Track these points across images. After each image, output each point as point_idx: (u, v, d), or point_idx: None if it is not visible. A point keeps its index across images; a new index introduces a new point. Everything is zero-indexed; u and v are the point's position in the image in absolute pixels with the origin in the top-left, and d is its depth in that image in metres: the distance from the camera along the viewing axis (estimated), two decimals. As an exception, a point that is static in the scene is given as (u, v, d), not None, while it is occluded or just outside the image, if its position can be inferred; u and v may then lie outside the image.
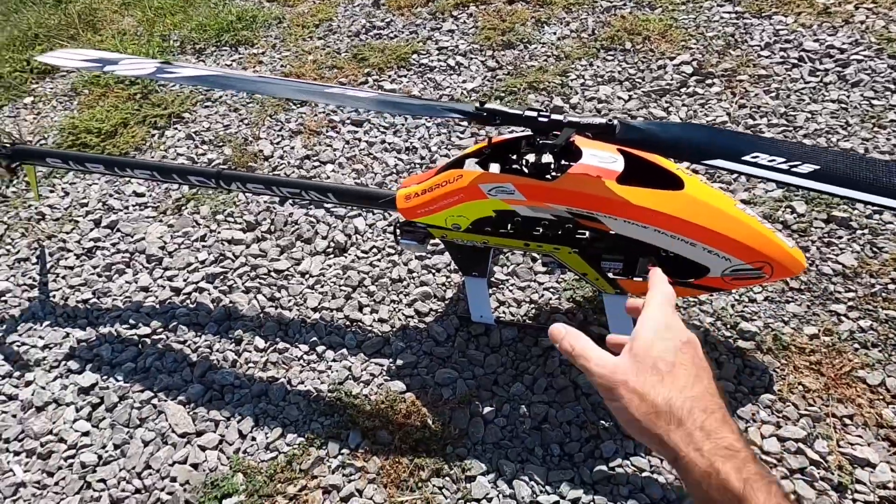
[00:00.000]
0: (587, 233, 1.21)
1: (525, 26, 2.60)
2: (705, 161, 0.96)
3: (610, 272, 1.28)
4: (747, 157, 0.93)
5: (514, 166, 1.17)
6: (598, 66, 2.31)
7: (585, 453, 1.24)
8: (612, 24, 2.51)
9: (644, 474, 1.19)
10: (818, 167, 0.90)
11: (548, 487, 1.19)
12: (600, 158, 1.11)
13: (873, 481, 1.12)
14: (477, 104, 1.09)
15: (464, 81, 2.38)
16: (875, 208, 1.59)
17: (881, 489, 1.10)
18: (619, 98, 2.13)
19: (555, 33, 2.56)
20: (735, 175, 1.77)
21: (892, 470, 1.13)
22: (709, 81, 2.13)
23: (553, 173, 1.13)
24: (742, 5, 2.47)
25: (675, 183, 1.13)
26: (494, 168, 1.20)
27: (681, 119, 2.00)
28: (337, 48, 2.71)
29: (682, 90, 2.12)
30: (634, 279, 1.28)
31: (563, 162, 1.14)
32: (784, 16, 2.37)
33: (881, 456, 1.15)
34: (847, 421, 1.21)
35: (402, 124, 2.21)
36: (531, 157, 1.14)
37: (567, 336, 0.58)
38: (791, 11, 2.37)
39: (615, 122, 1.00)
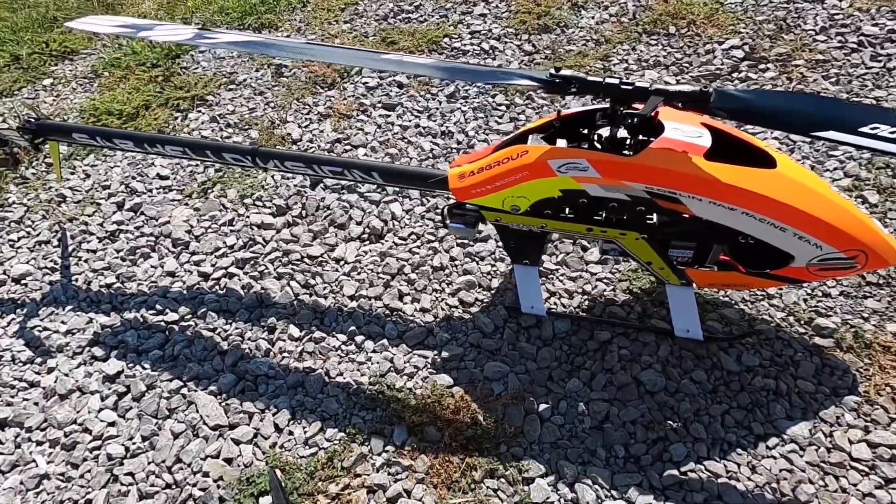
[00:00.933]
0: (656, 217, 1.12)
1: (561, 10, 2.50)
2: (815, 132, 0.86)
3: (678, 261, 1.18)
4: (866, 129, 0.83)
5: (589, 141, 1.07)
6: (641, 51, 2.21)
7: (653, 456, 1.14)
8: (653, 7, 2.40)
9: (720, 480, 1.09)
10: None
11: (613, 492, 1.10)
12: (684, 132, 1.01)
13: (981, 493, 1.01)
14: (552, 70, 0.99)
15: (499, 66, 2.28)
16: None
17: None
18: (667, 83, 2.03)
19: (593, 17, 2.45)
20: (841, 150, 1.61)
21: None
22: (762, 66, 2.02)
23: (632, 148, 1.03)
24: (791, -11, 2.35)
25: (766, 161, 1.02)
26: (562, 144, 1.10)
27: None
28: (364, 32, 2.62)
29: (734, 75, 2.01)
30: (702, 268, 1.18)
31: (640, 137, 1.04)
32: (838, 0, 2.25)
33: None
34: (944, 426, 1.11)
35: (437, 108, 2.12)
36: (605, 132, 1.04)
37: None
38: (845, -5, 2.26)
39: (710, 89, 0.91)
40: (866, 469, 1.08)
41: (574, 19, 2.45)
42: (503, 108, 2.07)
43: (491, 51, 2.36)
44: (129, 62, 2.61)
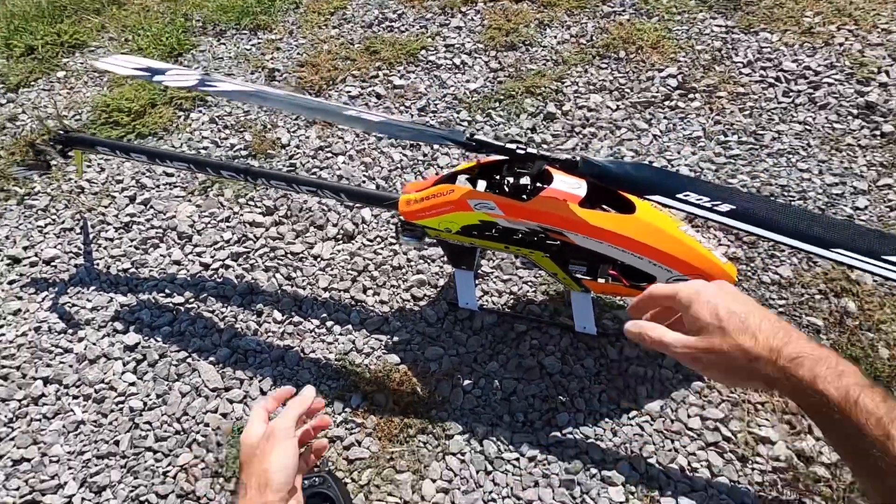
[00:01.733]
0: (557, 241, 1.45)
1: (528, 28, 2.76)
2: (647, 196, 1.19)
3: (577, 274, 1.52)
4: (680, 195, 1.16)
5: (498, 186, 1.40)
6: (591, 74, 2.49)
7: (544, 422, 1.51)
8: (609, 30, 2.67)
9: (588, 441, 1.47)
10: (734, 207, 1.13)
11: (511, 447, 1.47)
12: (568, 184, 1.34)
13: (770, 455, 1.39)
14: (468, 135, 1.31)
15: (467, 81, 2.57)
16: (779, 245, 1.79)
17: (774, 461, 1.38)
18: (608, 107, 2.33)
19: (555, 36, 2.72)
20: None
21: (787, 448, 1.40)
22: (691, 96, 2.32)
23: (529, 194, 1.36)
24: (734, 19, 2.62)
25: (628, 207, 1.36)
26: (481, 185, 1.43)
27: (660, 132, 2.21)
28: (350, 38, 2.88)
29: (666, 103, 2.31)
30: (597, 280, 1.52)
31: (537, 185, 1.37)
32: (770, 33, 2.52)
33: (780, 436, 1.42)
34: (759, 407, 1.47)
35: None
36: (511, 179, 1.37)
37: (643, 331, 0.75)
38: (777, 29, 2.53)
39: (578, 158, 1.23)
40: (695, 435, 1.45)
41: (539, 38, 2.72)
42: (465, 123, 2.37)
43: (462, 66, 2.64)
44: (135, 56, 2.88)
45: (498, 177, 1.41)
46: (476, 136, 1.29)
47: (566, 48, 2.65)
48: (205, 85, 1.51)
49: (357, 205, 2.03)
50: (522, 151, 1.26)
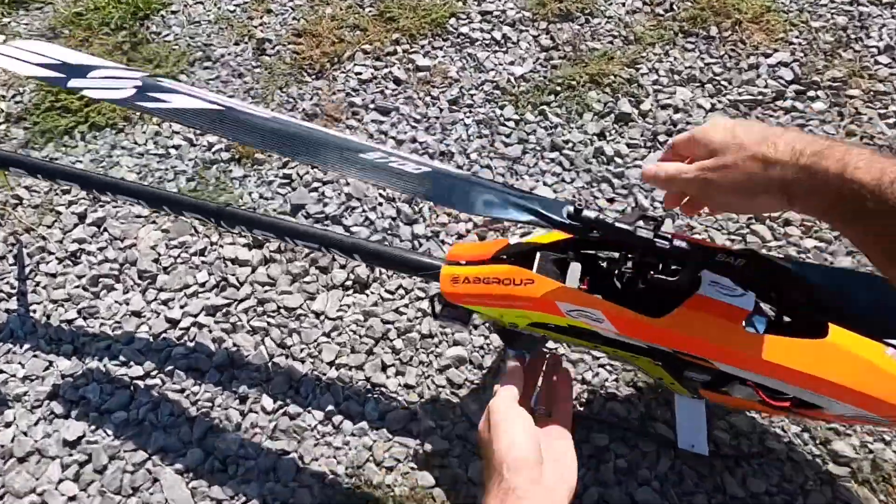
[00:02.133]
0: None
1: (587, -9, 2.16)
2: (887, 340, 0.70)
3: (693, 380, 1.05)
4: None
5: (606, 280, 0.90)
6: (675, 58, 1.92)
7: (641, 592, 1.08)
8: (694, -3, 2.07)
9: None
10: None
11: None
12: (724, 289, 0.84)
13: None
14: (571, 208, 0.79)
15: (511, 63, 2.00)
16: None
17: None
18: (700, 107, 1.78)
19: (623, 3, 2.12)
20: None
21: None
22: (811, 94, 1.76)
23: (660, 300, 0.86)
24: (858, -14, 2.02)
25: (816, 325, 0.86)
26: (575, 269, 0.93)
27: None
28: (360, 1, 2.28)
29: (778, 103, 1.76)
30: (721, 392, 1.05)
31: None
32: (910, 6, 1.93)
33: None
34: (953, 589, 1.04)
35: (437, 118, 1.87)
36: (629, 271, 0.87)
37: (659, 168, 0.75)
38: (919, 0, 1.94)
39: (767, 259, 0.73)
40: None
41: (602, 5, 2.12)
42: (511, 123, 1.83)
43: (503, 41, 2.07)
44: (91, 20, 2.29)
45: (605, 264, 0.90)
46: (585, 214, 0.78)
47: (638, 20, 2.06)
48: (145, 96, 0.98)
49: (377, 268, 1.49)
50: (667, 244, 0.75)
